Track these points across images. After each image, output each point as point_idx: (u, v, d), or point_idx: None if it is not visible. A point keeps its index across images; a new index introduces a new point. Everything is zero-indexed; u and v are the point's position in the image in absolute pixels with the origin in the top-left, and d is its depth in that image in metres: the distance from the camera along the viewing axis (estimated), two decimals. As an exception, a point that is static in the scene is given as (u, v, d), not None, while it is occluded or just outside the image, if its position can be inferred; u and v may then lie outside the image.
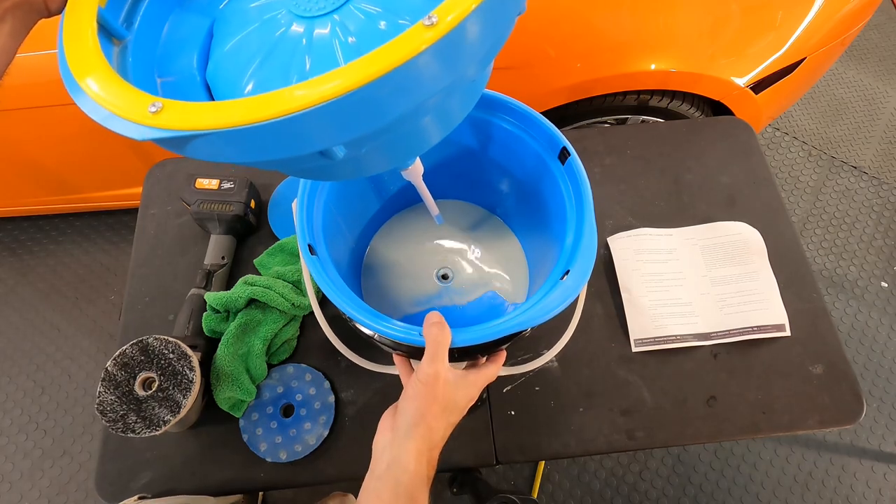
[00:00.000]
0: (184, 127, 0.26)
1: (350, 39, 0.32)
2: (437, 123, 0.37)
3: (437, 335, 0.43)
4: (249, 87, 0.34)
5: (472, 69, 0.32)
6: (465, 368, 0.48)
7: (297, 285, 0.69)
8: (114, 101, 0.28)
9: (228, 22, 0.38)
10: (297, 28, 0.33)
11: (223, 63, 0.36)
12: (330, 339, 0.56)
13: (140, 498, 0.60)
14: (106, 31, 0.34)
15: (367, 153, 0.36)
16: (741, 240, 0.75)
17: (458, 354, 0.55)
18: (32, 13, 0.34)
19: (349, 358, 0.55)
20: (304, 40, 0.33)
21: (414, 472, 0.39)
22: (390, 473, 0.39)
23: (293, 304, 0.66)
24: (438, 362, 0.42)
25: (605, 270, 0.74)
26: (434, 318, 0.45)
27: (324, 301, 0.70)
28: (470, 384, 0.45)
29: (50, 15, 0.35)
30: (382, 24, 0.32)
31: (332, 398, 0.65)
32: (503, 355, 0.50)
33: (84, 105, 0.29)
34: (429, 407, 0.41)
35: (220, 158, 0.31)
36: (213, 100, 0.37)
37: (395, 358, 0.50)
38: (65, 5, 0.33)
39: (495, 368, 0.48)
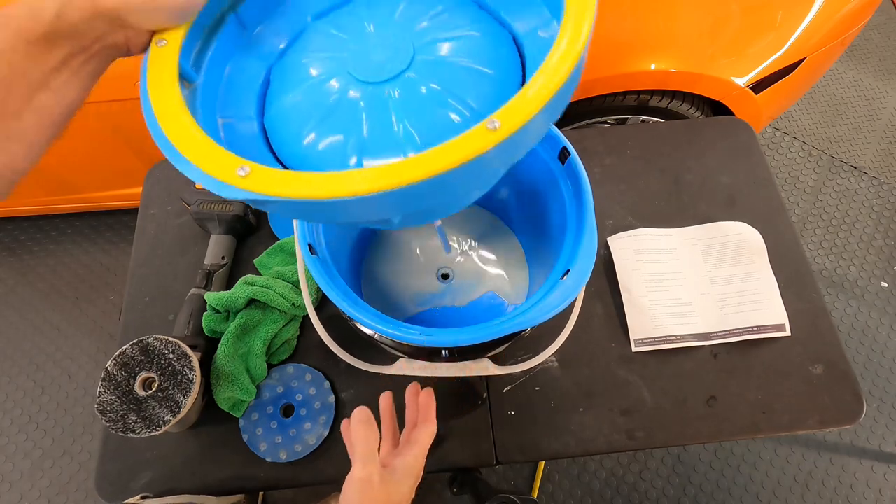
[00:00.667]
0: (269, 192, 0.29)
1: (405, 106, 0.35)
2: (481, 190, 0.39)
3: (366, 435, 0.42)
4: (309, 139, 0.36)
5: (522, 155, 0.34)
6: (393, 450, 0.47)
7: (297, 285, 0.69)
8: (207, 163, 0.30)
9: (288, 74, 0.40)
10: (355, 92, 0.36)
11: (284, 115, 0.38)
12: (325, 340, 0.56)
13: (143, 497, 0.60)
14: (179, 75, 0.36)
15: (416, 214, 0.39)
16: (741, 240, 0.75)
17: (458, 353, 0.56)
18: (116, 54, 0.34)
19: (344, 359, 0.55)
20: (361, 103, 0.35)
21: None
22: None
23: (293, 304, 0.66)
24: (370, 464, 0.41)
25: (605, 270, 0.74)
26: (360, 415, 0.44)
27: (324, 302, 0.70)
28: (409, 466, 0.43)
29: (129, 55, 0.35)
30: (431, 91, 0.35)
31: (332, 398, 0.65)
32: (432, 409, 0.49)
33: (176, 161, 0.31)
34: None
35: (294, 216, 0.35)
36: (269, 143, 0.39)
37: (344, 433, 0.49)
38: (146, 47, 0.34)
39: (429, 432, 0.47)
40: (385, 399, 0.52)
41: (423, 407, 0.50)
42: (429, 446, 0.46)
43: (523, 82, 0.37)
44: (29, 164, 0.32)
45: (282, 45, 0.43)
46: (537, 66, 0.34)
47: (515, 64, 0.38)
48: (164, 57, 0.34)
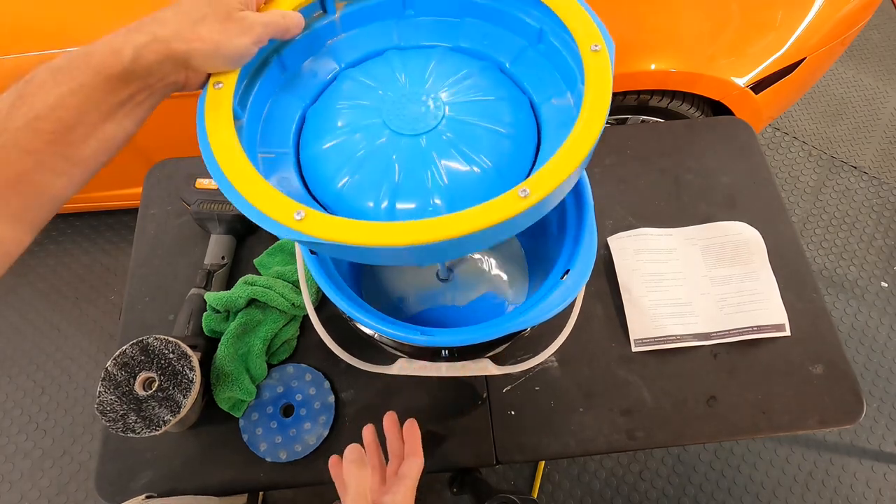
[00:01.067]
0: (322, 237, 0.33)
1: (434, 158, 0.39)
2: (503, 239, 0.42)
3: (358, 475, 0.43)
4: (344, 181, 0.40)
5: (544, 214, 0.38)
6: (382, 486, 0.47)
7: (297, 285, 0.69)
8: (267, 206, 0.33)
9: (324, 118, 0.43)
10: (390, 143, 0.39)
11: (320, 158, 0.41)
12: (324, 340, 0.56)
13: (147, 497, 0.60)
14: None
15: (441, 258, 0.45)
16: (741, 240, 0.75)
17: (458, 353, 0.56)
18: (173, 90, 0.37)
19: (343, 359, 0.55)
20: (394, 154, 0.39)
21: None
22: None
23: (293, 303, 0.66)
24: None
25: (605, 270, 0.74)
26: (352, 454, 0.44)
27: (324, 302, 0.70)
28: (399, 503, 0.44)
29: (185, 91, 0.38)
30: (458, 146, 0.39)
31: (331, 398, 0.65)
32: (418, 440, 0.50)
33: (236, 201, 0.34)
34: None
35: (337, 256, 0.41)
36: (304, 181, 0.43)
37: (333, 471, 0.49)
38: (201, 86, 0.37)
39: (417, 465, 0.47)
40: (369, 432, 0.53)
41: (409, 439, 0.50)
42: (417, 479, 0.46)
43: (538, 142, 0.42)
44: (76, 191, 0.34)
45: (318, 88, 0.47)
46: (551, 129, 0.42)
47: (532, 126, 0.43)
48: (220, 99, 0.37)
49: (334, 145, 0.41)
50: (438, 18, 0.49)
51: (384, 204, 0.39)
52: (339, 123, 0.42)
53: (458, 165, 0.38)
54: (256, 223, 0.34)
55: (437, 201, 0.38)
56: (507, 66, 0.46)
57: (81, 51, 0.32)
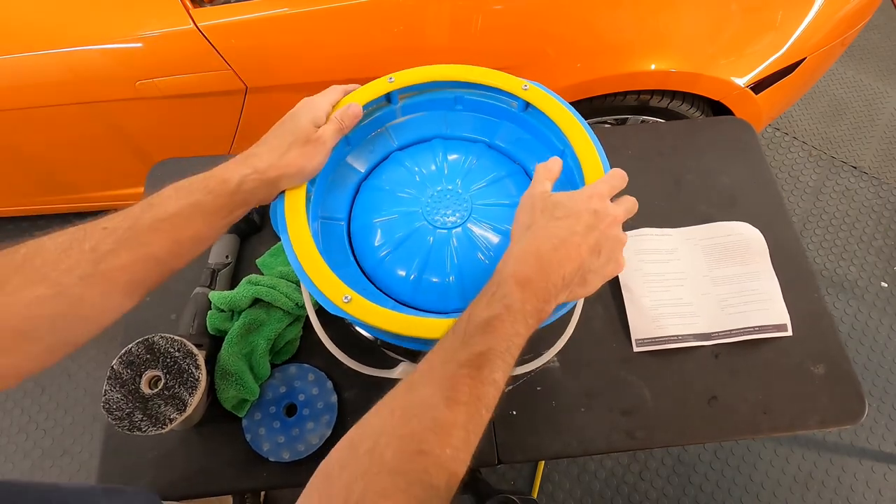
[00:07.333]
0: (359, 318, 0.43)
1: (458, 247, 0.49)
2: None
3: (550, 163, 0.45)
4: (384, 252, 0.50)
5: None
6: None
7: (301, 285, 0.69)
8: (325, 287, 0.44)
9: (375, 196, 0.53)
10: (425, 230, 0.49)
11: (367, 230, 0.51)
12: (326, 345, 0.56)
13: None
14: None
15: None
16: (742, 240, 0.75)
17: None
18: (262, 203, 0.47)
19: (345, 363, 0.55)
20: (430, 238, 0.49)
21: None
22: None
23: (297, 303, 0.66)
24: (536, 184, 0.44)
25: (607, 270, 0.74)
26: (552, 163, 0.46)
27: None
28: (576, 194, 0.42)
29: (268, 202, 0.48)
30: (473, 245, 0.50)
31: (334, 398, 0.65)
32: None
33: (305, 282, 0.44)
34: (519, 218, 0.42)
35: (370, 332, 0.52)
36: (350, 242, 0.53)
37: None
38: (320, 168, 0.48)
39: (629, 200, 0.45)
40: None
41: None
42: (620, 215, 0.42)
43: None
44: (177, 269, 0.45)
45: (373, 163, 0.56)
46: None
47: None
48: (298, 189, 0.47)
49: (382, 222, 0.50)
50: (482, 116, 0.58)
51: (413, 276, 0.48)
52: (387, 205, 0.51)
53: (471, 257, 0.49)
54: (313, 295, 0.44)
55: (451, 278, 0.48)
56: (531, 168, 0.54)
57: (201, 176, 0.43)
